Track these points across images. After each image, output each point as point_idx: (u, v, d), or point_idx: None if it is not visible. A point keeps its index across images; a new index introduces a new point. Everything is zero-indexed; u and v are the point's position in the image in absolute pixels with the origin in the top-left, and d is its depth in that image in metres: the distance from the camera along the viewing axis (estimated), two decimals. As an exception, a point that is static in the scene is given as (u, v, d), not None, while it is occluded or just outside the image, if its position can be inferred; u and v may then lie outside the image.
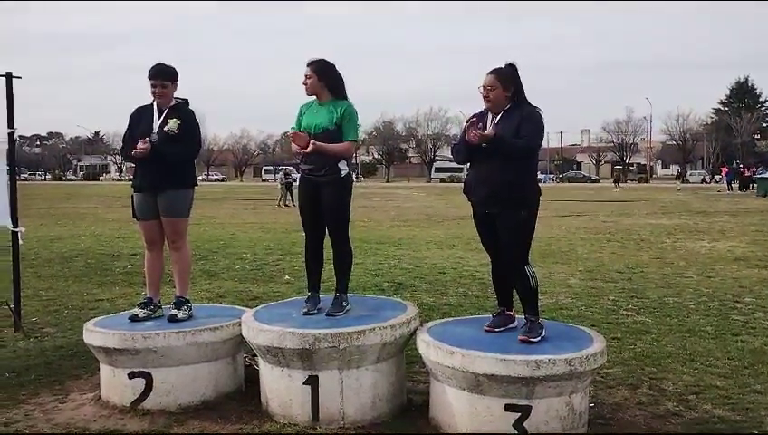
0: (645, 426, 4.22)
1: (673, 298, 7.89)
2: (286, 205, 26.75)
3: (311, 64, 4.62)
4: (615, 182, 51.11)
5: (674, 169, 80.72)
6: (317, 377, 4.13)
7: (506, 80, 4.16)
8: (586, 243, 13.66)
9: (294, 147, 4.60)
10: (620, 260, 11.10)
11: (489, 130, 4.07)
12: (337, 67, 4.68)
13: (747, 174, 43.23)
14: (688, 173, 71.92)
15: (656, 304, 7.58)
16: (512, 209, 4.09)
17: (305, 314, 4.52)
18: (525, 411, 3.78)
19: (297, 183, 4.86)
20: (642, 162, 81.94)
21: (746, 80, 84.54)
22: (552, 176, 60.05)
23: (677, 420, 4.29)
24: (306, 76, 4.61)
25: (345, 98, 4.67)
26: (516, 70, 4.20)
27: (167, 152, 4.68)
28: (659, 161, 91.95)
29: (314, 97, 4.69)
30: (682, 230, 16.30)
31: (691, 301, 7.73)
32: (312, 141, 4.47)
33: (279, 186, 28.86)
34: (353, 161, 4.63)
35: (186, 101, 4.92)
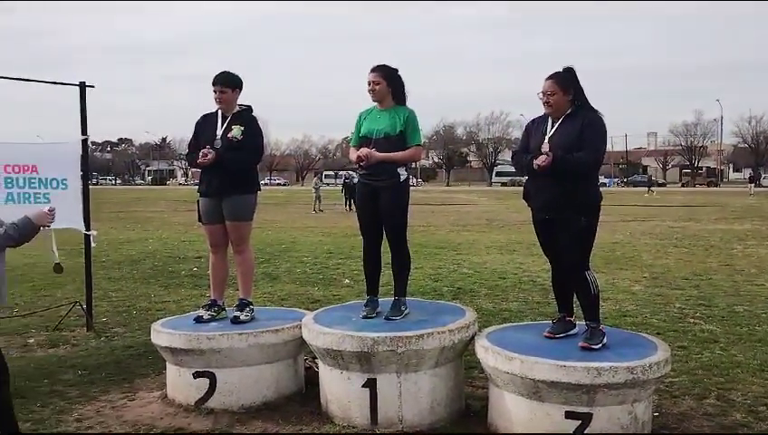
0: (711, 437, 4.10)
1: (743, 307, 7.62)
2: (321, 210, 27.16)
3: (376, 70, 4.63)
4: (649, 187, 48.81)
5: (746, 173, 77.76)
6: (375, 380, 4.17)
7: (566, 84, 4.11)
8: (651, 249, 13.33)
9: (353, 155, 4.66)
10: (687, 267, 10.79)
11: (546, 159, 4.01)
12: (399, 71, 4.70)
13: None
14: (762, 177, 69.18)
15: (724, 312, 7.34)
16: (571, 215, 4.03)
17: (364, 317, 4.56)
18: (586, 419, 3.73)
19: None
20: (712, 165, 79.25)
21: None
22: (616, 180, 58.72)
23: (746, 432, 4.15)
24: (373, 82, 4.60)
25: (405, 104, 4.69)
26: (575, 73, 4.15)
27: (230, 159, 4.79)
28: (730, 165, 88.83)
29: (375, 104, 4.71)
30: (754, 236, 15.72)
31: (762, 310, 7.45)
32: (370, 152, 4.50)
33: (313, 191, 28.93)
34: (413, 165, 4.65)
35: (249, 108, 5.02)
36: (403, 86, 4.68)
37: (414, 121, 4.62)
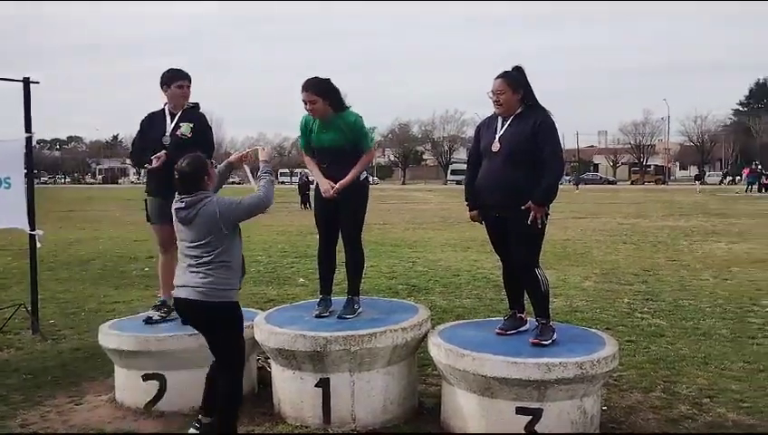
0: (658, 430, 4.20)
1: (689, 301, 7.83)
2: (305, 207, 26.89)
3: (308, 88, 4.41)
4: (576, 185, 50.13)
5: (692, 171, 79.97)
6: (328, 380, 4.15)
7: (515, 83, 4.16)
8: (602, 245, 13.59)
9: (309, 164, 4.65)
10: (636, 263, 11.04)
11: (534, 214, 4.05)
12: (331, 80, 4.51)
13: (767, 182, 42.70)
14: (707, 175, 71.18)
15: (671, 306, 7.54)
16: (521, 213, 4.08)
17: (317, 316, 4.55)
18: (537, 415, 3.78)
19: (313, 186, 4.86)
20: (660, 164, 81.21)
21: (765, 81, 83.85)
22: (568, 178, 59.68)
23: (691, 424, 4.26)
24: (309, 102, 4.42)
25: (345, 108, 4.56)
26: (524, 72, 4.20)
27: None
28: (677, 163, 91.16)
29: None
30: (699, 232, 16.16)
31: (707, 304, 7.67)
32: (336, 189, 4.48)
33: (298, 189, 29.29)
34: (369, 164, 4.64)
35: (197, 105, 4.97)
36: (338, 93, 4.50)
37: (360, 128, 4.56)
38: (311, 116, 4.54)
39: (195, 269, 3.64)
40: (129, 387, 4.61)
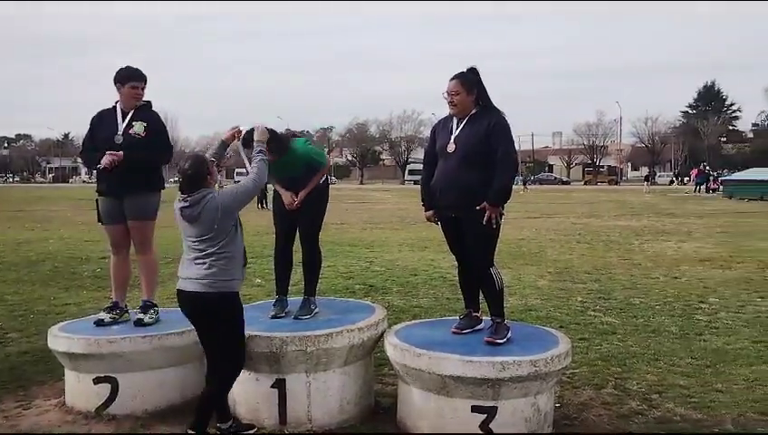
0: (609, 425, 4.29)
1: (639, 299, 8.01)
2: (263, 207, 26.62)
3: (251, 144, 4.17)
4: (524, 184, 51.15)
5: (643, 172, 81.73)
6: (284, 380, 4.14)
7: (470, 84, 4.19)
8: (556, 244, 13.80)
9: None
10: (589, 262, 11.24)
11: (489, 214, 4.09)
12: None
13: (713, 186, 43.86)
14: (657, 175, 72.84)
15: (623, 304, 7.70)
16: (476, 213, 4.11)
17: (273, 317, 4.52)
18: (491, 413, 3.82)
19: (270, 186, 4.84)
20: (612, 164, 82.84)
21: (713, 84, 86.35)
22: (521, 178, 60.46)
23: (641, 420, 4.37)
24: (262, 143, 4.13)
25: (292, 138, 4.52)
26: (478, 74, 4.24)
27: (140, 159, 4.65)
28: (629, 163, 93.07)
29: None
30: (650, 232, 16.54)
31: (657, 301, 7.85)
32: (299, 201, 4.54)
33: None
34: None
35: (149, 103, 4.89)
36: (281, 139, 4.39)
37: (310, 153, 4.58)
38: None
39: (201, 261, 3.76)
40: (80, 391, 4.51)
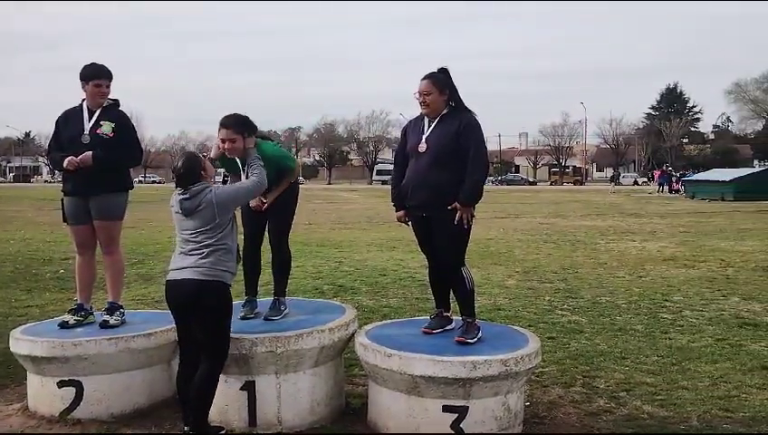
0: (578, 423, 4.33)
1: (606, 298, 8.11)
2: None
3: (228, 126, 4.14)
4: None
5: (608, 172, 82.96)
6: (254, 382, 4.09)
7: (441, 84, 4.20)
8: (523, 244, 13.91)
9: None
10: (556, 261, 11.35)
11: (460, 215, 4.10)
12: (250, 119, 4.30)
13: (676, 187, 44.61)
14: (621, 176, 73.99)
15: (589, 303, 7.78)
16: (447, 213, 4.12)
17: (242, 318, 4.47)
18: (462, 412, 3.83)
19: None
20: (578, 165, 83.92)
21: (675, 86, 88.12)
22: (491, 178, 60.87)
23: (609, 417, 4.41)
24: (229, 140, 4.13)
25: (257, 140, 4.33)
26: (449, 74, 4.25)
27: (109, 160, 4.57)
28: (594, 164, 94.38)
29: None
30: (615, 231, 16.77)
31: (623, 300, 7.96)
32: (267, 203, 4.45)
33: None
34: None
35: (117, 102, 4.80)
36: (256, 128, 4.31)
37: (278, 159, 4.44)
38: (230, 155, 4.26)
39: (198, 251, 3.81)
40: (44, 394, 4.41)
